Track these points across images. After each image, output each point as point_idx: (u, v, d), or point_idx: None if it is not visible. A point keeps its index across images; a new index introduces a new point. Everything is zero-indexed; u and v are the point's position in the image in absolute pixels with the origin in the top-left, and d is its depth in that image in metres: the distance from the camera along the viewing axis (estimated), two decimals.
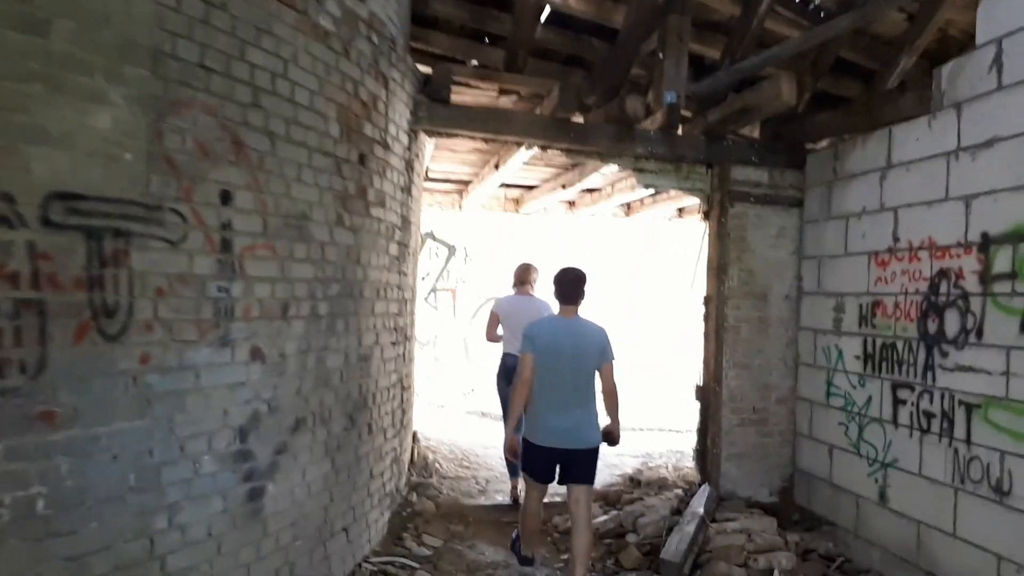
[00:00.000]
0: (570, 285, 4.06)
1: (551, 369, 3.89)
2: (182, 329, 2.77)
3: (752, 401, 5.50)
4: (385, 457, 4.38)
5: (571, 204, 10.86)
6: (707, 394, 5.53)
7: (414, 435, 5.71)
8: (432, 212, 10.60)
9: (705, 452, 5.52)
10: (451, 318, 10.78)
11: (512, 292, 5.69)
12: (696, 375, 5.71)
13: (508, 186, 9.53)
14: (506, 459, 4.70)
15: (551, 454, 3.91)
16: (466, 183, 9.39)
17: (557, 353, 3.89)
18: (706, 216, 5.66)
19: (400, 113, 4.40)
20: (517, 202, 10.67)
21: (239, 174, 3.00)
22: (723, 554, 4.14)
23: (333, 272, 3.61)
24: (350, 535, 3.86)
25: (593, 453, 3.96)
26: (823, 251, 5.32)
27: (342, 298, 3.70)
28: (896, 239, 4.56)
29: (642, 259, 11.09)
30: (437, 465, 5.57)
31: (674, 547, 4.06)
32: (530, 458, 4.01)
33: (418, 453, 5.52)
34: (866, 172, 4.86)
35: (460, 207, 10.56)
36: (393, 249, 4.41)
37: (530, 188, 9.60)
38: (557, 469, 3.97)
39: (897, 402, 4.50)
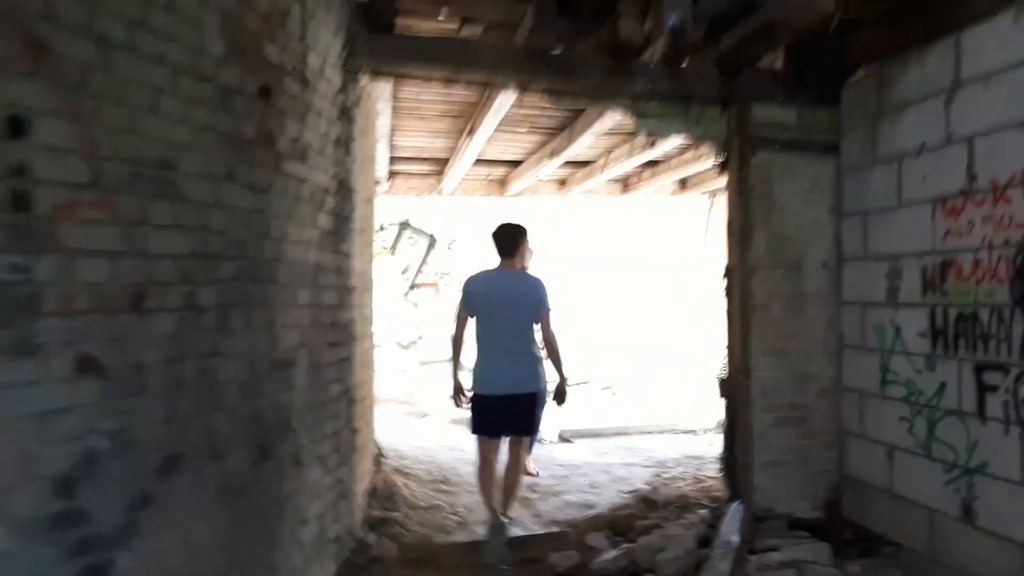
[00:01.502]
0: (506, 238, 4.28)
1: (489, 320, 4.08)
2: None
3: (788, 395, 4.49)
4: (324, 494, 3.36)
5: (562, 183, 9.85)
6: (733, 389, 4.51)
7: (376, 457, 4.69)
8: (408, 199, 9.59)
9: (733, 461, 4.51)
10: (434, 316, 9.76)
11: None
12: (717, 366, 4.70)
13: (491, 163, 8.51)
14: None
15: (493, 403, 4.06)
16: (443, 162, 8.37)
17: (494, 305, 4.08)
18: (722, 169, 4.64)
19: (325, 41, 3.37)
20: (502, 183, 9.66)
21: (41, 93, 1.97)
22: None
23: (222, 246, 2.58)
24: None
25: (531, 399, 4.11)
26: (869, 204, 4.31)
27: (240, 283, 2.67)
28: (972, 178, 3.55)
29: (642, 241, 10.08)
30: (406, 492, 4.55)
31: None
32: (476, 412, 4.16)
33: (382, 480, 4.51)
34: (925, 97, 3.85)
35: (439, 191, 9.54)
36: (325, 221, 3.39)
37: (515, 165, 8.57)
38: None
39: (984, 389, 3.48)
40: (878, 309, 4.21)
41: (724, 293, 4.59)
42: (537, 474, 5.62)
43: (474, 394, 4.16)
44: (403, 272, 9.73)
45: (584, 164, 8.65)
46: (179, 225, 2.39)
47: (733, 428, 4.51)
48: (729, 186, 4.61)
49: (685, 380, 9.94)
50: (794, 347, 4.50)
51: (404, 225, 9.71)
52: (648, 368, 10.04)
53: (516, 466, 4.25)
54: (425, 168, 8.89)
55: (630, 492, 4.91)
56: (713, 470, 5.42)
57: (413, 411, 8.56)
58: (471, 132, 6.19)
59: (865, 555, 3.89)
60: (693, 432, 7.29)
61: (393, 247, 9.65)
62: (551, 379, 4.35)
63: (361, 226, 4.10)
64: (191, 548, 2.41)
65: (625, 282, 10.01)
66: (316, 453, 3.27)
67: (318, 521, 3.27)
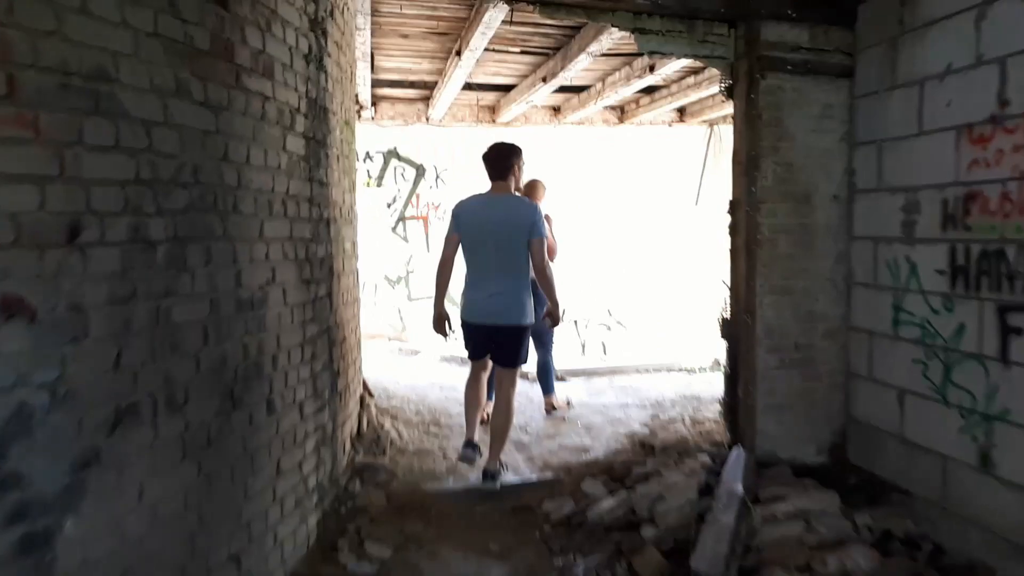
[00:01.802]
0: (498, 158, 4.04)
1: (477, 246, 3.92)
2: None
3: (794, 336, 4.26)
4: (304, 441, 3.14)
5: (555, 111, 9.44)
6: (736, 329, 4.28)
7: (362, 399, 4.47)
8: (395, 128, 9.17)
9: (736, 404, 4.31)
10: (424, 250, 9.45)
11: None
12: (719, 304, 4.46)
13: (480, 88, 8.07)
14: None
15: (477, 331, 3.99)
16: (430, 87, 7.93)
17: (482, 230, 3.90)
18: (729, 93, 4.30)
19: None
20: (493, 110, 9.24)
21: None
22: (777, 554, 2.96)
23: (173, 171, 2.27)
24: (244, 564, 2.64)
25: (515, 331, 3.96)
26: (885, 132, 3.99)
27: (196, 213, 2.37)
28: (1004, 102, 3.23)
29: (639, 173, 9.72)
30: (395, 435, 4.35)
31: (710, 550, 2.88)
32: (464, 336, 4.12)
33: (368, 422, 4.30)
34: (952, 13, 3.50)
35: (427, 119, 9.12)
36: (295, 145, 3.07)
37: (507, 90, 8.15)
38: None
39: (1008, 331, 3.25)
40: (892, 244, 3.95)
41: (728, 228, 4.31)
42: (568, 404, 5.47)
43: (461, 320, 4.07)
44: (391, 204, 9.37)
45: (579, 90, 8.23)
46: (120, 146, 2.07)
47: (735, 370, 4.30)
48: (736, 112, 4.28)
49: (682, 317, 9.75)
50: (801, 285, 4.25)
51: (391, 155, 9.30)
52: (644, 305, 9.83)
53: (503, 407, 4.03)
54: (411, 93, 8.45)
55: (627, 435, 4.73)
56: (712, 412, 5.25)
57: (403, 348, 8.36)
58: (459, 52, 5.78)
59: (873, 503, 3.73)
60: (690, 371, 7.11)
61: (379, 178, 9.26)
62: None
63: (339, 152, 3.78)
64: (151, 509, 2.18)
65: (621, 217, 9.70)
66: (293, 399, 3.03)
67: (296, 471, 3.05)
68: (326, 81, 3.47)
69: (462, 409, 5.38)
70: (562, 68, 6.11)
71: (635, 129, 9.72)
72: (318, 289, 3.32)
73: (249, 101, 2.67)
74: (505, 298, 3.90)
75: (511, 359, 4.02)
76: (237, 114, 2.59)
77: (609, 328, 9.89)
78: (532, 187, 5.60)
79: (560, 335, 4.98)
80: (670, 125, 9.76)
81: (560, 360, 9.07)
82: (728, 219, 4.31)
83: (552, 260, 5.46)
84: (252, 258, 2.69)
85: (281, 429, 2.91)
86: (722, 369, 7.18)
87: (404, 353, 8.17)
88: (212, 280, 2.44)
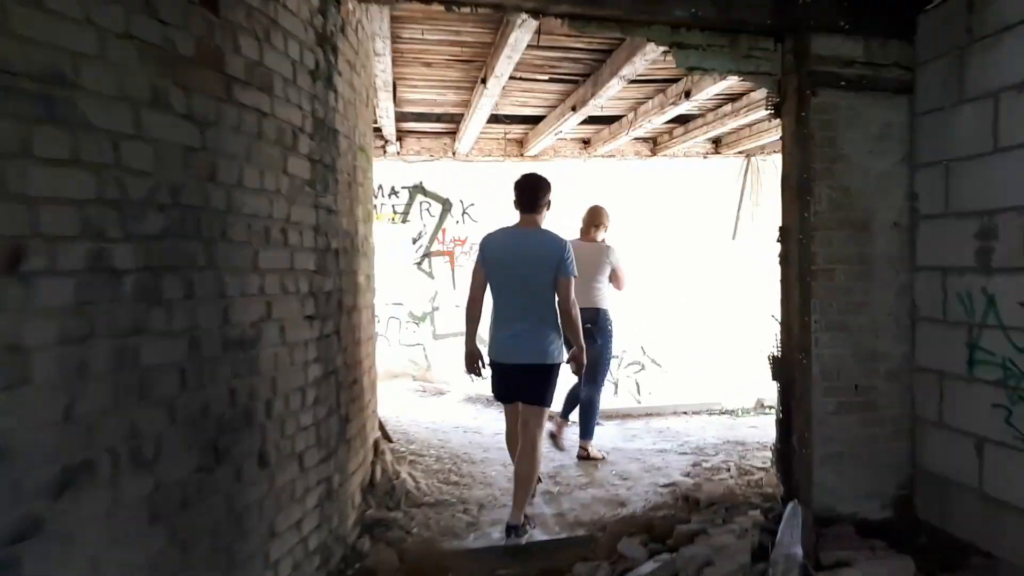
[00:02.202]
0: (528, 192, 3.87)
1: (503, 282, 3.77)
2: None
3: (853, 376, 3.83)
4: (305, 497, 2.79)
5: (585, 144, 9.16)
6: (790, 369, 3.86)
7: (377, 444, 4.12)
8: (421, 163, 8.96)
9: (790, 452, 3.87)
10: (450, 286, 9.15)
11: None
12: (768, 342, 4.05)
13: (508, 120, 7.83)
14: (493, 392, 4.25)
15: (503, 371, 3.83)
16: (457, 119, 7.70)
17: (509, 265, 3.75)
18: (777, 112, 3.95)
19: None
20: (521, 143, 9.00)
21: None
22: None
23: (145, 191, 1.98)
24: None
25: (541, 371, 3.78)
26: (953, 151, 3.61)
27: (175, 240, 2.07)
28: None
29: (673, 207, 9.37)
30: (411, 485, 3.98)
31: None
32: (493, 378, 3.94)
33: (382, 471, 3.94)
34: None
35: (454, 153, 8.90)
36: (298, 167, 2.78)
37: (535, 122, 7.89)
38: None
39: None
40: (964, 275, 3.53)
41: (779, 258, 3.93)
42: (603, 458, 5.10)
43: (490, 360, 3.91)
44: (416, 240, 9.12)
45: (610, 121, 7.95)
46: (79, 161, 1.78)
47: (789, 415, 3.87)
48: (784, 133, 3.92)
49: (720, 356, 9.29)
50: (860, 320, 3.84)
51: (416, 190, 9.07)
52: (681, 343, 9.39)
53: (528, 450, 3.77)
54: (437, 127, 8.24)
55: (667, 486, 4.30)
56: (760, 459, 4.81)
57: (427, 388, 8.01)
58: (484, 80, 5.53)
59: (950, 568, 3.26)
60: (731, 413, 6.66)
61: (405, 214, 9.03)
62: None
63: (351, 178, 3.49)
64: None
65: (655, 251, 9.33)
66: (291, 450, 2.69)
67: (295, 531, 2.70)
68: (336, 101, 3.20)
69: (485, 455, 5.05)
70: (592, 95, 5.82)
71: (668, 161, 9.39)
72: (324, 326, 3.00)
73: (243, 116, 2.39)
74: (531, 338, 3.73)
75: (537, 398, 3.82)
76: (228, 130, 2.31)
77: (643, 367, 9.45)
78: (596, 213, 5.35)
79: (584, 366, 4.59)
80: (705, 157, 9.42)
81: None
82: (778, 248, 3.92)
83: (621, 289, 5.32)
84: (244, 291, 2.38)
85: (276, 485, 2.57)
86: (772, 413, 6.73)
87: (428, 394, 7.82)
88: (193, 316, 2.13)
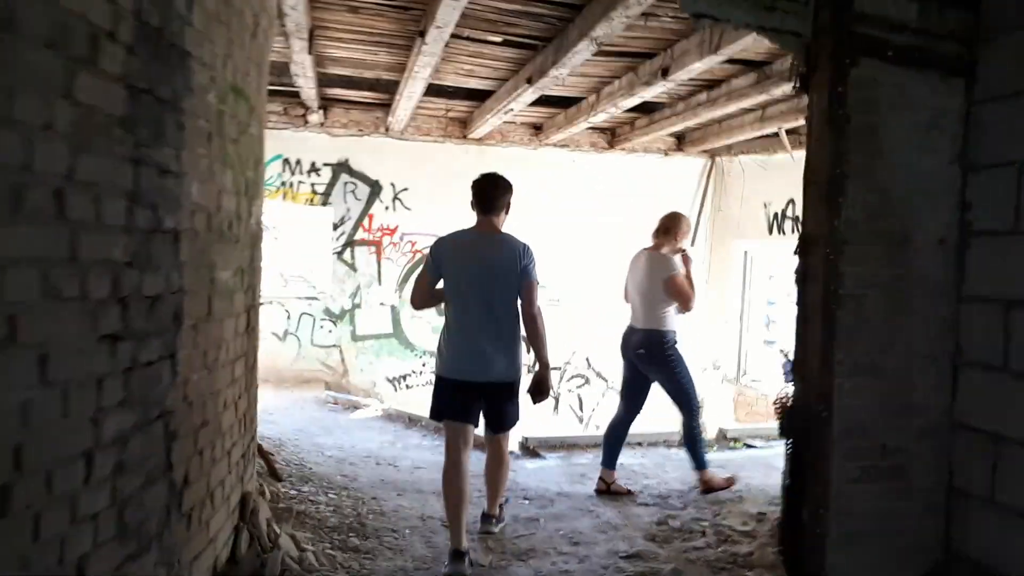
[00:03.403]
0: (488, 192, 3.52)
1: (462, 291, 3.42)
2: None
3: (881, 435, 2.95)
4: None
5: (536, 130, 8.19)
6: (804, 422, 2.96)
7: (245, 500, 3.01)
8: (347, 137, 7.84)
9: (799, 529, 2.97)
10: (375, 281, 8.04)
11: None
12: (780, 384, 3.14)
13: (451, 95, 6.79)
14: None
15: (461, 390, 3.41)
16: (392, 90, 6.59)
17: (468, 272, 3.42)
18: (803, 85, 3.03)
19: None
20: (464, 124, 7.96)
21: None
22: None
23: None
24: None
25: (509, 388, 3.48)
26: None
27: None
28: None
29: (628, 208, 8.48)
30: (292, 555, 2.91)
31: None
32: (439, 396, 3.49)
33: (252, 537, 2.85)
34: None
35: (386, 129, 7.81)
36: (98, 93, 1.70)
37: (482, 99, 6.85)
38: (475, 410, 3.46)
39: None
40: None
41: (796, 275, 3.01)
42: (730, 480, 4.42)
43: (438, 376, 3.50)
44: (338, 225, 7.98)
45: (567, 104, 6.99)
46: None
47: (801, 481, 2.96)
48: (813, 113, 3.01)
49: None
50: (892, 363, 2.96)
51: (341, 168, 7.93)
52: None
53: (497, 460, 3.60)
54: (368, 96, 7.12)
55: (629, 557, 3.36)
56: (737, 517, 3.92)
57: (339, 401, 6.89)
58: (423, 33, 4.47)
59: None
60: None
61: (327, 194, 7.87)
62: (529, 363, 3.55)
63: (214, 128, 2.40)
64: None
65: (605, 255, 8.43)
66: (58, 556, 1.60)
67: None
68: (188, 7, 2.11)
69: (399, 501, 4.03)
70: (553, 63, 4.84)
71: (625, 157, 8.51)
72: (140, 350, 1.91)
73: None
74: (495, 352, 3.38)
75: (505, 421, 3.52)
76: None
77: (587, 381, 8.55)
78: (675, 220, 4.49)
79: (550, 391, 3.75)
80: (666, 154, 8.57)
81: (527, 424, 7.76)
82: (797, 263, 3.01)
83: (687, 309, 4.36)
84: None
85: None
86: (738, 447, 5.92)
87: (340, 408, 6.70)
88: None
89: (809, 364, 2.94)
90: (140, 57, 1.86)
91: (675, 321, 4.36)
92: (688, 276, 4.37)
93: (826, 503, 2.88)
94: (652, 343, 4.32)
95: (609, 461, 4.44)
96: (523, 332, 3.48)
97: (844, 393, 2.89)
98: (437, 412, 3.48)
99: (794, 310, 3.04)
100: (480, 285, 3.38)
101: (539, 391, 3.45)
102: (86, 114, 1.66)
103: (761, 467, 5.21)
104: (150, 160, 1.94)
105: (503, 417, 3.49)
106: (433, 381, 3.55)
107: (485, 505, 3.73)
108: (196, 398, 2.33)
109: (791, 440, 3.03)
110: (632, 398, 4.51)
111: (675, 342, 4.35)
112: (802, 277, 2.99)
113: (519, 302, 3.43)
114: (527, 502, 4.20)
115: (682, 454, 5.50)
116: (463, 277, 3.40)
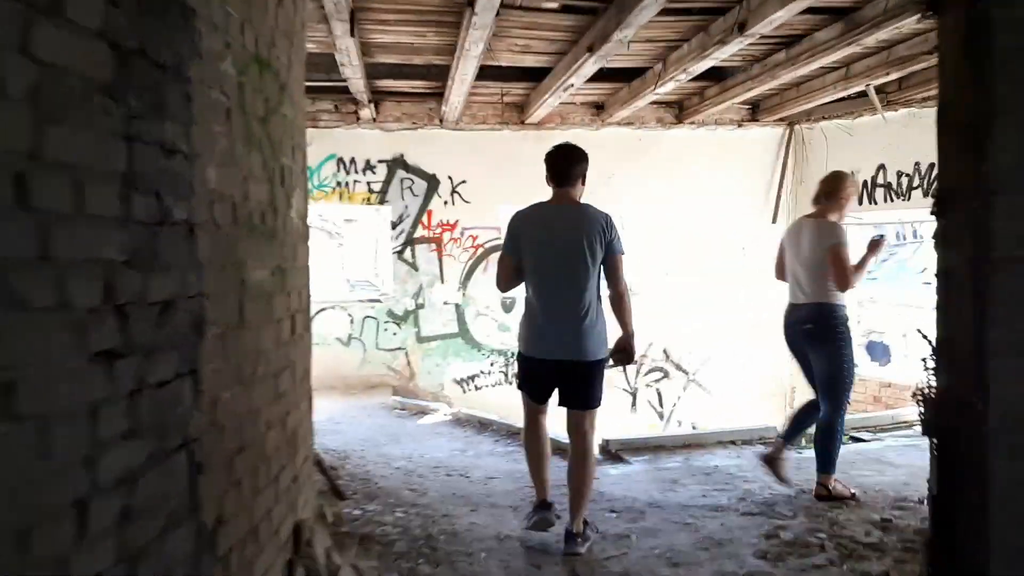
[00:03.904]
0: (562, 162, 3.36)
1: (541, 267, 3.32)
2: None
3: None
4: None
5: (598, 109, 7.73)
6: (953, 416, 2.44)
7: (298, 531, 2.68)
8: (402, 131, 7.54)
9: (950, 549, 2.46)
10: (437, 279, 7.73)
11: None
12: (919, 371, 2.62)
13: (505, 77, 6.39)
14: None
15: (541, 368, 3.35)
16: (443, 75, 6.24)
17: (547, 246, 3.31)
18: (933, 7, 2.51)
19: None
20: (521, 109, 7.57)
21: None
22: None
23: None
24: None
25: (592, 367, 3.32)
26: None
27: None
28: None
29: (701, 185, 7.95)
30: None
31: None
32: (522, 373, 3.50)
33: (307, 571, 2.53)
34: None
35: (440, 120, 7.47)
36: (65, 50, 1.35)
37: (538, 78, 6.44)
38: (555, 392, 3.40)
39: None
40: None
41: (935, 238, 2.50)
42: (853, 496, 3.90)
43: (519, 353, 3.50)
44: (396, 224, 7.69)
45: (630, 77, 6.51)
46: None
47: (953, 487, 2.46)
48: (945, 41, 2.50)
49: (763, 363, 7.92)
50: None
51: (397, 164, 7.63)
52: (713, 346, 8.00)
53: (582, 456, 3.35)
54: (420, 86, 6.81)
55: None
56: (859, 525, 3.42)
57: (406, 406, 6.59)
58: (471, 3, 4.08)
59: None
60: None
61: (384, 192, 7.59)
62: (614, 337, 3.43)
63: (236, 104, 2.06)
64: None
65: (679, 239, 7.92)
66: None
67: None
68: None
69: (473, 519, 3.67)
70: (617, 26, 4.38)
71: (695, 132, 7.96)
72: (146, 369, 1.57)
73: None
74: (578, 330, 3.28)
75: (588, 400, 3.39)
76: None
77: (667, 374, 8.05)
78: (837, 180, 4.03)
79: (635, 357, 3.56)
80: (739, 124, 7.99)
81: (606, 421, 7.36)
82: (936, 223, 2.50)
83: (845, 288, 3.83)
84: None
85: None
86: (847, 442, 5.35)
87: (407, 413, 6.39)
88: None
89: (957, 346, 2.42)
90: (124, 9, 1.51)
91: (844, 296, 3.90)
92: (863, 260, 3.92)
93: (985, 513, 2.37)
94: (821, 317, 3.87)
95: (825, 465, 3.96)
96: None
97: (1001, 379, 2.36)
98: (520, 384, 3.51)
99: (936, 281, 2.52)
100: (562, 260, 3.27)
101: (624, 355, 3.39)
102: (54, 77, 1.31)
103: (873, 463, 4.67)
104: (148, 136, 1.60)
105: (588, 394, 3.36)
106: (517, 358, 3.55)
107: (567, 520, 3.32)
108: (229, 420, 1.99)
109: (937, 439, 2.51)
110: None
111: (846, 319, 3.90)
112: (942, 238, 2.48)
113: (603, 277, 3.32)
114: (614, 515, 3.77)
115: (792, 452, 5.01)
116: (543, 252, 3.30)
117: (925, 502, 3.87)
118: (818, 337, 3.89)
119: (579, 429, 3.36)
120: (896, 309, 7.10)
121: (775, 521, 3.60)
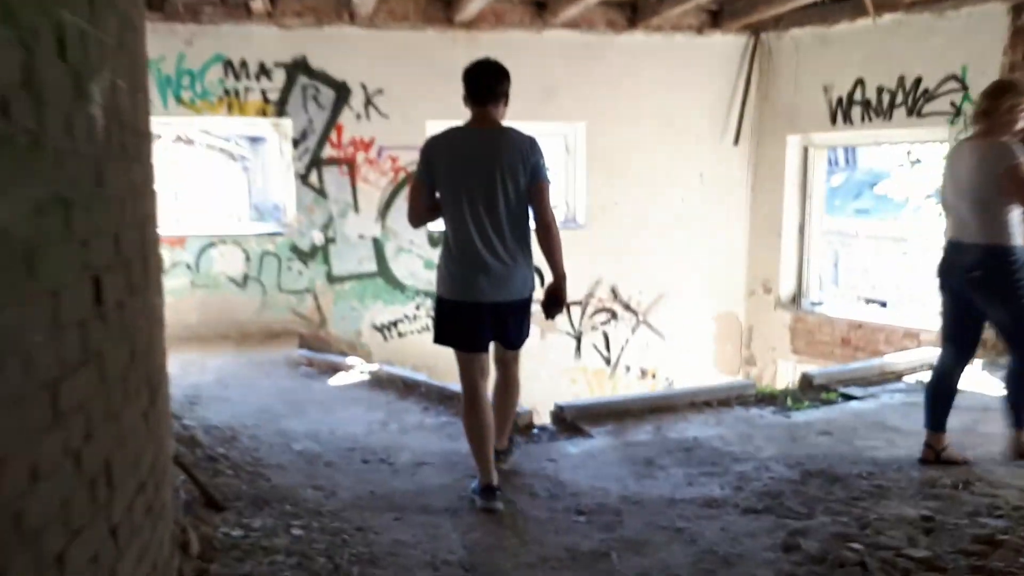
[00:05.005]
0: (482, 79, 3.06)
1: (461, 198, 3.03)
2: None
3: None
4: None
5: (540, 8, 6.60)
6: None
7: (195, 521, 1.69)
8: (304, 29, 6.27)
9: None
10: (350, 207, 6.59)
11: None
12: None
13: None
14: None
15: (475, 312, 3.09)
16: None
17: (466, 176, 3.03)
18: None
19: None
20: (448, 4, 6.36)
21: None
22: None
23: None
24: None
25: (525, 305, 3.21)
26: None
27: None
28: None
29: (656, 100, 7.00)
30: None
31: None
32: (446, 324, 3.17)
33: None
34: None
35: (350, 16, 6.22)
36: None
37: None
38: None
39: None
40: None
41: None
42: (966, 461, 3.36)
43: (440, 299, 3.19)
44: (299, 142, 6.46)
45: None
46: None
47: None
48: None
49: (720, 300, 7.23)
50: None
51: (298, 68, 6.34)
52: (664, 282, 7.22)
53: (509, 385, 3.32)
54: None
55: None
56: (897, 528, 2.65)
57: (315, 361, 5.54)
58: None
59: None
60: (775, 401, 4.49)
61: (282, 103, 6.32)
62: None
63: None
64: None
65: (630, 159, 7.00)
66: None
67: None
68: None
69: (399, 532, 2.75)
70: None
71: (650, 39, 6.93)
72: None
73: None
74: (506, 265, 3.07)
75: (523, 336, 3.28)
76: None
77: (614, 315, 7.23)
78: (1001, 90, 3.24)
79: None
80: (699, 31, 6.99)
81: (551, 373, 6.64)
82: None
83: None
84: None
85: None
86: (838, 400, 4.61)
87: (315, 372, 5.36)
88: None
89: None
90: None
91: (1020, 232, 3.18)
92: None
93: None
94: (993, 260, 3.17)
95: (937, 423, 3.41)
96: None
97: None
98: (442, 337, 3.19)
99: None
100: (482, 189, 3.02)
101: (554, 303, 3.16)
102: None
103: (876, 430, 3.97)
104: None
105: (521, 333, 3.23)
106: (434, 305, 3.28)
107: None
108: None
109: None
110: (962, 338, 3.42)
111: (1022, 260, 3.16)
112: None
113: (529, 207, 3.10)
114: (583, 518, 2.90)
115: (770, 417, 4.26)
116: (462, 181, 3.04)
117: (960, 487, 3.18)
118: (990, 285, 3.22)
119: (510, 366, 3.30)
120: None
121: (788, 522, 2.80)
